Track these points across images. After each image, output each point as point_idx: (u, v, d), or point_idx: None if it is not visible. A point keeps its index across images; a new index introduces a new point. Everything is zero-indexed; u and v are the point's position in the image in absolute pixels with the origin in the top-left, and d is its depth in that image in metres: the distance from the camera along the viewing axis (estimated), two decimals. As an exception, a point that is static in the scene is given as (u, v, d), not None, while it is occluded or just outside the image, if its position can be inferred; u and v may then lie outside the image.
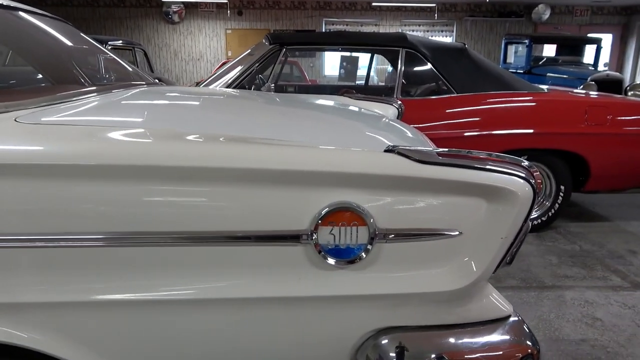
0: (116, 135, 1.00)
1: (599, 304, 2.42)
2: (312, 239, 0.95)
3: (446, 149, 1.06)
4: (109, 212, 0.90)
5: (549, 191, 3.42)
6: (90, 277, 0.93)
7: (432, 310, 1.03)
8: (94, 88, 1.64)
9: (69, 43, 2.07)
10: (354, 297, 0.99)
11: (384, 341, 1.04)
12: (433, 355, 1.03)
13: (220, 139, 1.01)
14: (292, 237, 0.95)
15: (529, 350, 1.08)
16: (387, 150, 1.01)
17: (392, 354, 1.04)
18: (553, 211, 3.42)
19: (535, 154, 3.31)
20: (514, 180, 0.98)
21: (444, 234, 0.99)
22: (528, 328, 1.11)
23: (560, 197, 3.40)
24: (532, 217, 3.41)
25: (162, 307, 0.96)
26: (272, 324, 1.00)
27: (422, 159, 0.97)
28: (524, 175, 1.00)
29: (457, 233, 0.99)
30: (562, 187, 3.38)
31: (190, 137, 1.00)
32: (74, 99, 1.38)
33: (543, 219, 3.44)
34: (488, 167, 0.99)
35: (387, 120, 1.80)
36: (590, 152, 3.27)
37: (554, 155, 3.31)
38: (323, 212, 0.94)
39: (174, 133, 1.04)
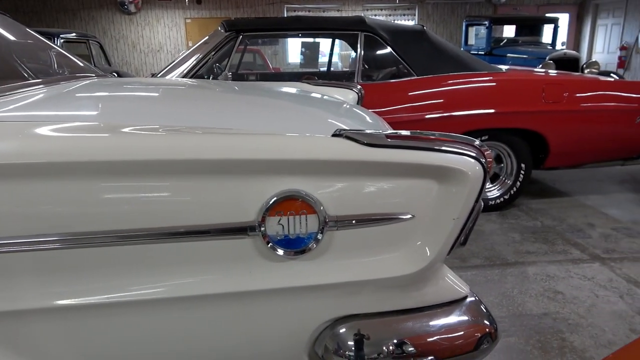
0: (46, 130, 0.93)
1: (560, 277, 2.48)
2: (260, 230, 0.91)
3: (395, 131, 1.03)
4: (41, 213, 0.84)
5: (510, 170, 3.47)
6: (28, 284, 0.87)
7: (388, 295, 1.01)
8: (37, 81, 1.55)
9: (10, 37, 1.95)
10: (308, 288, 0.96)
11: (342, 330, 1.02)
12: (393, 342, 1.02)
13: (159, 131, 0.96)
14: (239, 230, 0.91)
15: (487, 330, 1.08)
16: (335, 135, 0.98)
17: (351, 343, 1.02)
18: (515, 189, 3.48)
19: (496, 133, 3.34)
20: (464, 160, 0.96)
21: (396, 218, 0.96)
22: (485, 307, 1.10)
23: (521, 175, 3.46)
24: (494, 196, 3.48)
25: (106, 310, 0.91)
26: (225, 321, 0.96)
27: (371, 142, 0.94)
28: (474, 154, 0.98)
29: (409, 216, 0.97)
30: (523, 166, 3.44)
31: (126, 130, 0.95)
32: (13, 92, 1.29)
33: (505, 197, 3.49)
34: (437, 147, 0.97)
35: (345, 105, 1.77)
36: (549, 130, 3.33)
37: (514, 134, 3.36)
38: (270, 202, 0.90)
39: (108, 126, 0.98)
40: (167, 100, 1.52)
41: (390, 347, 1.00)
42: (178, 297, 0.92)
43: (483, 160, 0.99)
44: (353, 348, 1.02)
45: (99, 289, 0.89)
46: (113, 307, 0.90)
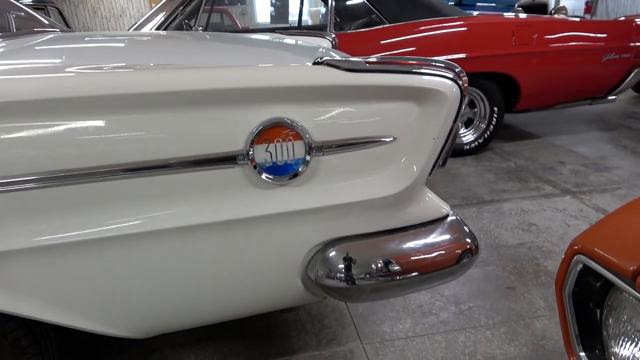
0: (19, 71, 0.92)
1: (534, 211, 2.59)
2: (248, 158, 0.94)
3: (374, 57, 1.06)
4: (29, 152, 0.85)
5: (483, 114, 3.54)
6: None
7: (375, 216, 1.06)
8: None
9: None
10: (298, 213, 1.00)
11: (332, 253, 1.07)
12: (381, 260, 1.07)
13: (135, 67, 0.96)
14: (228, 159, 0.93)
15: (468, 246, 1.15)
16: (316, 63, 1.00)
17: (341, 265, 1.07)
18: (488, 133, 3.57)
19: (469, 78, 3.37)
20: (442, 82, 1.00)
21: (379, 141, 1.00)
22: (466, 225, 1.17)
23: (494, 119, 3.53)
24: (468, 140, 3.56)
25: (101, 245, 0.93)
26: (219, 250, 1.00)
27: (351, 68, 0.97)
28: (451, 76, 1.02)
29: (391, 139, 1.01)
30: (496, 109, 3.51)
31: (106, 68, 0.95)
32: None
33: (479, 141, 3.58)
34: (416, 70, 1.00)
35: (321, 49, 1.77)
36: (519, 72, 3.39)
37: (486, 78, 3.41)
38: (257, 130, 0.93)
39: (87, 66, 0.98)
40: (139, 46, 1.50)
41: (378, 266, 1.06)
42: (172, 229, 0.95)
43: (460, 82, 1.03)
44: (343, 269, 1.07)
45: (95, 222, 0.90)
46: (110, 241, 0.92)
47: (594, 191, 2.83)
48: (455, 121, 1.03)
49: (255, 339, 1.64)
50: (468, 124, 3.60)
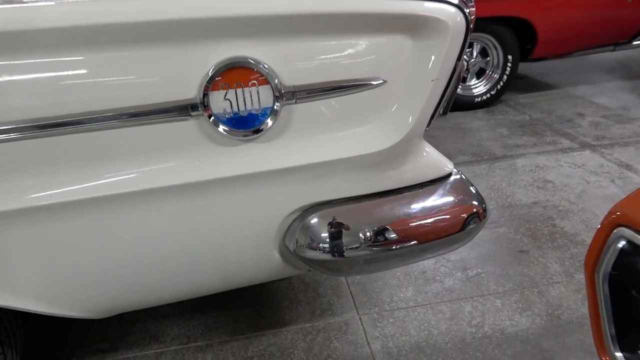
0: None
1: (550, 167, 2.40)
2: (203, 108, 0.76)
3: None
4: None
5: (496, 63, 3.29)
6: None
7: (362, 177, 0.89)
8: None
9: None
10: (268, 174, 0.83)
11: (314, 220, 0.91)
12: (372, 229, 0.91)
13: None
14: (179, 110, 0.76)
15: (475, 210, 0.98)
16: (285, -13, 0.81)
17: (325, 234, 0.91)
18: (501, 84, 3.32)
19: (481, 23, 3.12)
20: (443, 9, 0.80)
21: (365, 85, 0.82)
22: (472, 186, 1.00)
23: (508, 68, 3.28)
24: (480, 92, 3.32)
25: (35, 215, 0.78)
26: (175, 219, 0.84)
27: (328, -9, 0.77)
28: (455, 2, 0.82)
29: (380, 81, 0.82)
30: (510, 57, 3.25)
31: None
32: None
33: (492, 92, 3.33)
34: (410, -6, 0.80)
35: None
36: (536, 15, 3.11)
37: (499, 23, 3.14)
38: (212, 73, 0.75)
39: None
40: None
41: (368, 235, 0.90)
42: (118, 195, 0.79)
43: (466, 10, 0.83)
44: (328, 239, 0.92)
45: (21, 191, 0.75)
46: (40, 211, 0.77)
47: (615, 144, 2.61)
48: (459, 59, 0.84)
49: (243, 310, 1.51)
50: (480, 74, 3.35)
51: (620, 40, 3.44)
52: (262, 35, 0.77)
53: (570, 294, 1.48)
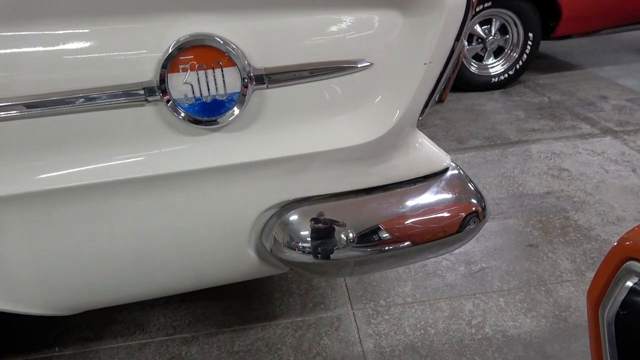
0: None
1: (567, 154, 2.26)
2: (160, 92, 0.67)
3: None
4: None
5: (516, 41, 3.11)
6: None
7: (345, 172, 0.80)
8: None
9: None
10: (237, 167, 0.74)
11: (292, 217, 0.82)
12: (355, 229, 0.82)
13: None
14: (132, 95, 0.67)
15: (473, 208, 0.88)
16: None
17: (305, 232, 0.83)
18: (521, 63, 3.15)
19: (499, -1, 2.95)
20: (438, -20, 0.69)
21: (348, 67, 0.71)
22: (471, 181, 0.89)
23: (528, 47, 3.10)
24: (497, 72, 3.16)
25: None
26: (137, 214, 0.76)
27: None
28: (453, -28, 0.70)
29: (365, 64, 0.72)
30: (531, 35, 3.07)
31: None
32: None
33: (510, 72, 3.17)
34: (401, -38, 0.69)
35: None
36: (561, -10, 2.92)
37: (521, -2, 2.96)
38: (168, 52, 0.66)
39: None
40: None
41: (351, 236, 0.81)
42: (73, 187, 0.71)
43: (466, -18, 0.72)
44: (308, 238, 0.83)
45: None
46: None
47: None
48: (458, 39, 0.73)
49: (233, 301, 1.45)
50: (498, 53, 3.18)
51: (651, 18, 3.23)
52: (228, 9, 0.67)
53: (579, 295, 1.38)
